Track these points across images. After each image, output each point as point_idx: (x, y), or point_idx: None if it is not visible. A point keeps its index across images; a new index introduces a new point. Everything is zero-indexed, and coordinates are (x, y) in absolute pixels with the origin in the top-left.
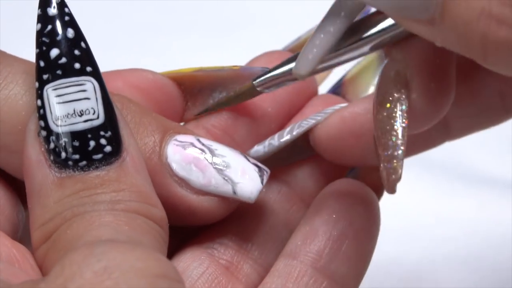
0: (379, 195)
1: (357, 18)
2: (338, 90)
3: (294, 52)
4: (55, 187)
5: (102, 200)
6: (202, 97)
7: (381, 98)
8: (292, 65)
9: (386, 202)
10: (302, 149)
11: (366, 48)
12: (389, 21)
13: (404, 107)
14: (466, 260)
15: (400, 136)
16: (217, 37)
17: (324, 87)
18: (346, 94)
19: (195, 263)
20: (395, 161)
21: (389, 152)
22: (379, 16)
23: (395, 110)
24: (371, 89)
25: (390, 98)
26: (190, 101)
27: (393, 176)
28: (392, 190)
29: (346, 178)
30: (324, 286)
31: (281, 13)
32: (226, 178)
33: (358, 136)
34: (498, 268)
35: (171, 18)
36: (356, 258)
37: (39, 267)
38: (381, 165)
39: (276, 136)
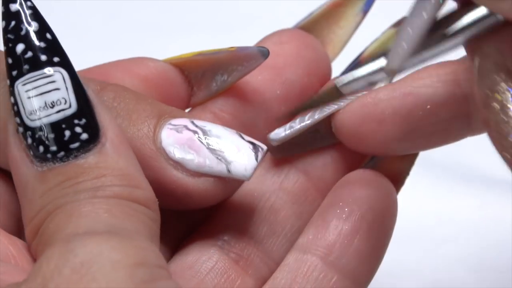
0: (398, 186)
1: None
2: (355, 69)
3: (305, 30)
4: (38, 181)
5: (83, 189)
6: (205, 81)
7: (488, 91)
8: (374, 64)
9: None
10: (324, 136)
11: (453, 43)
12: (473, 15)
13: None
14: (466, 260)
15: None
16: (217, 37)
17: (338, 64)
18: None
19: (204, 257)
20: None
21: (510, 138)
22: (463, 11)
23: (507, 98)
24: None
25: (499, 89)
26: (196, 86)
27: None
28: None
29: (363, 169)
30: (334, 281)
31: (282, 13)
32: (219, 157)
33: (380, 122)
34: (498, 268)
35: (171, 18)
36: (368, 253)
37: (34, 262)
38: (504, 153)
39: (297, 120)
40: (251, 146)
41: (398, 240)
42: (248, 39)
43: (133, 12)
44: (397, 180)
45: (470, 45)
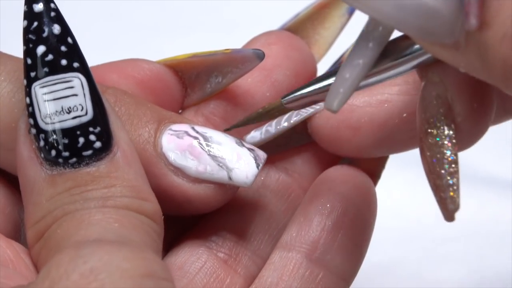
0: (375, 180)
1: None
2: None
3: (291, 31)
4: (46, 184)
5: (92, 197)
6: (199, 82)
7: (426, 124)
8: (320, 84)
9: (386, 202)
10: (301, 136)
11: (397, 71)
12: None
13: (451, 132)
14: (466, 260)
15: (453, 164)
16: (217, 37)
17: (323, 64)
18: None
19: (193, 258)
20: (451, 190)
21: (443, 181)
22: (409, 39)
23: (443, 136)
24: None
25: (437, 124)
26: (189, 87)
27: (452, 206)
28: (451, 219)
29: (341, 165)
30: (320, 278)
31: (283, 13)
32: (220, 164)
33: (356, 128)
34: (498, 268)
35: (171, 18)
36: (352, 248)
37: (35, 265)
38: (437, 194)
39: (273, 123)
40: (251, 154)
41: (398, 240)
42: (247, 39)
43: (132, 12)
44: (374, 174)
45: (419, 68)
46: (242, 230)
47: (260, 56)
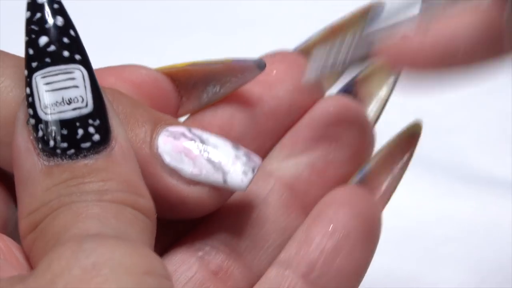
0: (384, 202)
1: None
2: (350, 88)
3: (304, 53)
4: (43, 175)
5: (89, 190)
6: (196, 91)
7: None
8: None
9: None
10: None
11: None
12: None
13: None
14: (466, 261)
15: None
16: (218, 37)
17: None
18: (358, 93)
19: (183, 267)
20: None
21: None
22: None
23: None
24: (385, 89)
25: None
26: (185, 96)
27: None
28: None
29: (350, 185)
30: None
31: (284, 14)
32: (216, 167)
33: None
34: (498, 269)
35: (171, 18)
36: (349, 272)
37: (27, 256)
38: None
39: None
40: (247, 158)
41: (398, 240)
42: (248, 39)
43: (132, 12)
44: (384, 196)
45: None
46: (236, 243)
47: (261, 66)
